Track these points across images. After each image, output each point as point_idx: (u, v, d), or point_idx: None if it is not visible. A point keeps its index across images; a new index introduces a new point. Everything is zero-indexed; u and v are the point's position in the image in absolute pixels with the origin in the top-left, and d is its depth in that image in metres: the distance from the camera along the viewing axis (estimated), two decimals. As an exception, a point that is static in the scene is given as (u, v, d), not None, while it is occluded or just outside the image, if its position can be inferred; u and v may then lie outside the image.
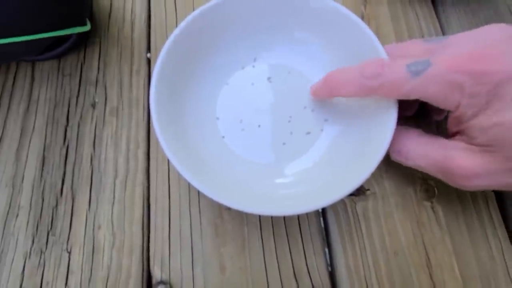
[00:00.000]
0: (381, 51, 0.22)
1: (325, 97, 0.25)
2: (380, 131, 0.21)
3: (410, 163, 0.21)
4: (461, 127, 0.19)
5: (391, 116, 0.21)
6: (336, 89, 0.22)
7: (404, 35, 0.30)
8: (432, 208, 0.24)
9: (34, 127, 0.27)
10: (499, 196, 0.25)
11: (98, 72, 0.28)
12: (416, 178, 0.25)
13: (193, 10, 0.30)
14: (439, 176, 0.20)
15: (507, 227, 0.24)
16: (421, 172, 0.25)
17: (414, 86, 0.18)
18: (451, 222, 0.24)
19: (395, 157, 0.22)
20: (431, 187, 0.25)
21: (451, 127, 0.20)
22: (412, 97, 0.19)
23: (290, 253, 0.24)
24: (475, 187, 0.19)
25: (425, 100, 0.19)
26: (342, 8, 0.23)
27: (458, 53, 0.18)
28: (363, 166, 0.21)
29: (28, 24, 0.23)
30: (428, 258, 0.23)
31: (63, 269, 0.23)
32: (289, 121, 0.26)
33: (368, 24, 0.30)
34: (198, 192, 0.25)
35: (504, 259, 0.23)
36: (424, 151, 0.20)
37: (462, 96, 0.18)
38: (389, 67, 0.19)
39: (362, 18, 0.30)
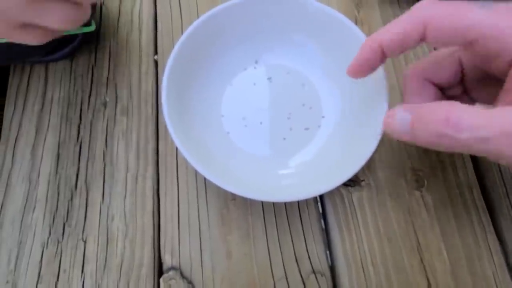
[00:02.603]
0: None
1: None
2: (372, 126, 0.23)
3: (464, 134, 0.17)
4: None
5: (381, 113, 0.23)
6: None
7: (395, 37, 0.32)
8: (422, 197, 0.26)
9: (48, 125, 0.28)
10: (483, 184, 0.27)
11: (108, 73, 0.30)
12: (407, 170, 0.27)
13: (198, 15, 0.32)
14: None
15: (490, 214, 0.26)
16: (412, 164, 0.27)
17: None
18: (439, 209, 0.26)
19: (440, 129, 0.17)
20: (420, 177, 0.27)
21: None
22: None
23: (292, 240, 0.26)
24: None
25: None
26: (336, 13, 0.25)
27: None
28: (357, 158, 0.22)
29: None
30: (419, 243, 0.25)
31: (79, 257, 0.25)
32: (288, 118, 0.28)
33: (361, 27, 0.32)
34: (205, 184, 0.27)
35: (488, 243, 0.25)
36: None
37: None
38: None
39: (356, 21, 0.32)
